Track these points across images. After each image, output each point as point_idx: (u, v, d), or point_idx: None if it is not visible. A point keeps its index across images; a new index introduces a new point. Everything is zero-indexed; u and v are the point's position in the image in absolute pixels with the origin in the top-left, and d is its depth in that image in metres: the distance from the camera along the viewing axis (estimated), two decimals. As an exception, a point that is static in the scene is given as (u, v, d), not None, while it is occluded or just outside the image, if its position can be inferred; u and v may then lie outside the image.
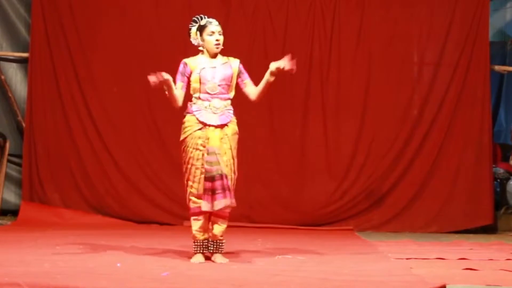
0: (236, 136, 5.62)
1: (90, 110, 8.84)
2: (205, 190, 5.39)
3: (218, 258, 5.52)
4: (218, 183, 5.36)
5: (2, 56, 9.12)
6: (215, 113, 5.50)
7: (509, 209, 9.32)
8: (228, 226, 8.39)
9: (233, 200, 5.42)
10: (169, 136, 8.87)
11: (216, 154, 5.39)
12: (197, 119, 5.49)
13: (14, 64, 9.18)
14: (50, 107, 8.86)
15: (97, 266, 4.98)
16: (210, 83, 5.51)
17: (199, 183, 5.46)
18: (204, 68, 5.54)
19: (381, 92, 8.98)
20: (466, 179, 8.96)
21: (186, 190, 5.59)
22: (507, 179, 9.48)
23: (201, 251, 5.54)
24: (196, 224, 5.50)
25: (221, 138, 5.47)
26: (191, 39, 5.77)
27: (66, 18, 8.88)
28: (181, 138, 5.56)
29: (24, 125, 8.93)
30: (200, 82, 5.52)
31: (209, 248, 5.57)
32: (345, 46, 9.03)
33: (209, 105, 5.52)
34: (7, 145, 8.96)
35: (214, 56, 5.62)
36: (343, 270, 5.13)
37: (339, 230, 8.49)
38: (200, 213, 5.47)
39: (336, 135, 8.96)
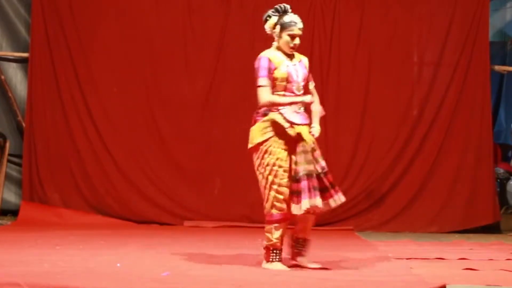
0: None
1: (90, 110, 8.84)
2: (296, 191, 5.01)
3: (309, 262, 5.23)
4: (315, 182, 5.03)
5: (2, 56, 9.12)
6: (297, 113, 5.21)
7: (509, 209, 9.32)
8: (228, 226, 8.49)
9: (338, 197, 5.18)
10: (169, 136, 8.89)
11: (310, 152, 5.09)
12: (285, 118, 5.15)
13: (14, 64, 9.18)
14: (50, 107, 8.86)
15: (97, 266, 4.98)
16: (295, 83, 5.23)
17: (287, 186, 5.07)
18: (288, 66, 5.23)
19: (381, 92, 8.98)
20: (466, 179, 8.96)
21: (267, 197, 5.14)
22: (507, 179, 9.49)
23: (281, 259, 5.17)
24: (277, 232, 5.06)
25: (309, 136, 5.16)
26: (266, 27, 5.38)
27: (66, 18, 8.88)
28: (262, 139, 5.17)
29: (24, 125, 8.93)
30: (287, 81, 5.20)
31: (297, 249, 5.28)
32: (345, 46, 9.03)
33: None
34: (7, 145, 8.95)
35: (289, 54, 5.32)
36: (343, 270, 5.13)
37: (339, 230, 8.49)
38: (284, 220, 5.08)
39: (336, 135, 8.96)
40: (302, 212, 4.99)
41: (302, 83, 5.25)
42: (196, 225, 8.53)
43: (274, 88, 5.19)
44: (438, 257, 5.91)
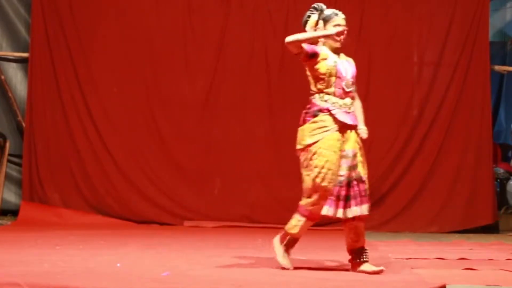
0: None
1: (90, 110, 8.85)
2: (337, 196, 4.87)
3: (371, 267, 5.01)
4: (355, 189, 4.90)
5: (2, 56, 9.12)
6: (348, 113, 4.99)
7: (509, 209, 9.32)
8: (228, 226, 8.49)
9: (365, 208, 4.96)
10: (169, 136, 8.89)
11: (355, 157, 4.93)
12: (335, 118, 4.94)
13: (14, 64, 9.18)
14: (50, 107, 8.86)
15: (97, 266, 4.98)
16: (345, 79, 5.01)
17: (333, 190, 4.89)
18: (336, 61, 5.05)
19: (381, 92, 8.98)
20: (466, 179, 8.96)
21: (308, 195, 5.00)
22: (507, 179, 9.49)
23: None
24: (300, 222, 5.10)
25: (356, 140, 4.99)
26: (308, 28, 5.24)
27: (66, 18, 8.88)
28: (312, 140, 4.97)
29: (24, 125, 8.93)
30: (336, 76, 5.00)
31: (358, 258, 5.06)
32: (345, 46, 9.01)
33: (343, 104, 5.01)
34: (7, 145, 8.95)
35: (335, 50, 5.12)
36: (343, 270, 5.13)
37: (339, 230, 8.45)
38: (313, 219, 5.05)
39: (336, 135, 8.95)
40: (336, 215, 4.89)
41: (351, 80, 5.06)
42: (196, 225, 8.53)
43: (322, 83, 5.03)
44: (438, 257, 5.91)
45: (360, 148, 5.01)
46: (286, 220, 8.67)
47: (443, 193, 8.92)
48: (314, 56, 5.01)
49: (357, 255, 5.02)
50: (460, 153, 8.98)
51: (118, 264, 5.09)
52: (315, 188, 4.91)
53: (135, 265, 5.12)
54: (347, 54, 5.33)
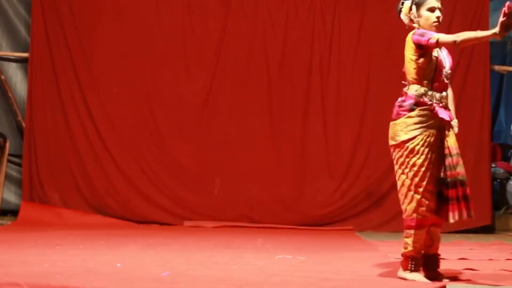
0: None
1: (90, 110, 8.84)
2: (450, 198, 4.59)
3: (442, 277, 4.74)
4: (460, 190, 4.64)
5: (2, 56, 9.12)
6: (445, 108, 4.66)
7: (509, 209, 9.32)
8: (228, 226, 8.49)
9: (467, 212, 4.71)
10: (169, 136, 8.89)
11: (458, 155, 4.62)
12: (435, 113, 4.59)
13: (14, 64, 9.17)
14: (50, 107, 8.86)
15: (97, 266, 4.98)
16: (445, 71, 4.67)
17: (433, 191, 4.59)
18: (438, 50, 4.67)
19: (381, 92, 8.97)
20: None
21: (410, 199, 4.65)
22: (507, 179, 9.48)
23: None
24: (416, 238, 4.65)
25: (454, 139, 4.66)
26: (403, 16, 5.00)
27: (66, 18, 8.88)
28: (408, 136, 4.60)
29: (24, 125, 8.92)
30: (437, 68, 4.66)
31: (430, 265, 4.78)
32: (345, 46, 9.03)
33: (441, 98, 4.67)
34: (7, 145, 8.95)
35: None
36: (343, 270, 5.13)
37: (339, 230, 8.49)
38: (425, 225, 4.64)
39: (336, 135, 8.96)
40: (452, 221, 4.63)
41: (449, 72, 4.74)
42: (196, 225, 8.53)
43: (421, 74, 4.74)
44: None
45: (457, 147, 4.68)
46: (286, 220, 8.74)
47: (443, 193, 8.90)
48: (423, 48, 4.70)
49: (430, 261, 4.78)
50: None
51: (118, 264, 5.09)
52: (415, 189, 4.57)
53: (135, 265, 5.12)
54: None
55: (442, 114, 4.59)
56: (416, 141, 4.58)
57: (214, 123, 8.91)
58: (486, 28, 9.13)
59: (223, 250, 6.23)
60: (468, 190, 4.68)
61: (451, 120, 4.67)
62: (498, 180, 9.53)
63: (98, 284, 4.28)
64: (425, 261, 4.77)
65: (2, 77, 9.03)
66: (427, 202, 4.58)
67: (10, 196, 8.97)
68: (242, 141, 8.90)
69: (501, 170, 9.58)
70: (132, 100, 8.90)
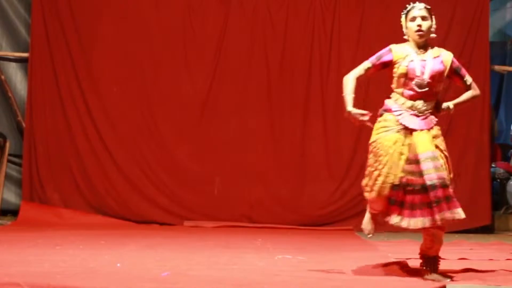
0: (442, 138, 4.88)
1: (90, 110, 8.84)
2: (405, 203, 4.67)
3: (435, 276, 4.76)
4: (432, 195, 4.63)
5: (2, 56, 9.12)
6: (418, 116, 4.74)
7: (509, 209, 9.32)
8: (228, 226, 8.49)
9: (449, 214, 4.69)
10: (169, 136, 8.89)
11: (428, 161, 4.68)
12: (398, 120, 4.74)
13: (14, 64, 9.17)
14: (50, 107, 8.86)
15: (97, 266, 4.98)
16: (418, 80, 4.73)
17: (376, 191, 4.71)
18: (412, 60, 4.77)
19: (381, 92, 8.94)
20: (466, 179, 8.94)
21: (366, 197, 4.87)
22: (507, 179, 9.48)
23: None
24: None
25: (431, 141, 4.73)
26: (403, 29, 5.09)
27: (66, 18, 8.88)
28: (372, 139, 4.82)
29: (24, 125, 8.92)
30: (407, 77, 4.76)
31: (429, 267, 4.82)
32: (345, 46, 9.03)
33: (412, 106, 4.76)
34: (7, 145, 8.95)
35: (421, 46, 4.85)
36: (343, 270, 5.13)
37: (339, 230, 8.48)
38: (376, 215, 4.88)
39: (336, 135, 8.96)
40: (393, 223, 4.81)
41: (428, 81, 4.73)
42: (196, 225, 8.53)
43: (394, 83, 4.86)
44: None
45: (441, 150, 4.81)
46: (286, 220, 8.74)
47: (443, 193, 8.90)
48: (387, 65, 4.87)
49: (428, 263, 4.81)
50: (460, 153, 8.97)
51: (118, 264, 5.09)
52: (369, 187, 4.74)
53: (135, 265, 5.12)
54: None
55: (406, 121, 4.70)
56: (374, 144, 4.76)
57: (214, 123, 8.91)
58: (486, 27, 9.16)
59: (223, 250, 6.22)
60: (442, 193, 4.63)
61: (423, 129, 4.72)
62: (498, 180, 9.53)
63: (98, 284, 4.28)
64: (425, 262, 4.82)
65: (2, 77, 9.03)
66: (374, 203, 4.78)
67: (10, 196, 8.97)
68: (242, 141, 8.90)
69: (501, 170, 9.58)
70: (132, 100, 8.90)
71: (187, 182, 8.84)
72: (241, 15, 9.00)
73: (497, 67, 9.55)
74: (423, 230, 4.76)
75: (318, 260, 5.66)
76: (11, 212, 8.86)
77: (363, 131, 8.93)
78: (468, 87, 4.98)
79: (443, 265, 4.90)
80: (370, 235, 5.06)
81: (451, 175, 4.84)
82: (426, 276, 4.76)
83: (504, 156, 10.14)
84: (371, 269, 5.18)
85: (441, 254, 6.03)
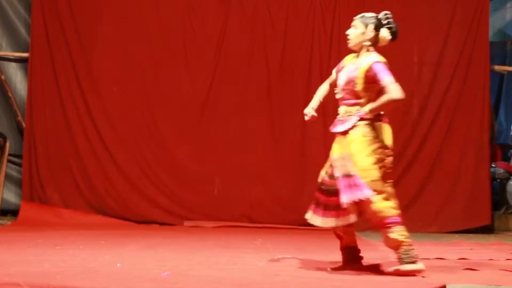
0: (363, 139, 4.98)
1: (90, 110, 8.85)
2: (317, 202, 5.17)
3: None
4: (332, 199, 5.03)
5: (2, 56, 9.12)
6: (339, 120, 5.12)
7: (509, 209, 9.32)
8: (228, 226, 8.49)
9: (346, 219, 5.06)
10: (169, 136, 8.89)
11: (334, 165, 5.07)
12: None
13: (14, 64, 9.17)
14: (50, 107, 8.86)
15: (97, 266, 4.98)
16: (338, 87, 5.08)
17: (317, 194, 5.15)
18: (344, 67, 5.11)
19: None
20: (466, 179, 8.96)
21: None
22: (507, 179, 9.48)
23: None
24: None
25: (341, 148, 5.06)
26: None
27: (66, 18, 8.88)
28: None
29: (24, 125, 8.93)
30: (336, 84, 5.12)
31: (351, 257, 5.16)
32: (345, 46, 8.98)
33: (339, 111, 5.14)
34: (7, 145, 8.95)
35: (357, 53, 5.15)
36: (343, 270, 5.12)
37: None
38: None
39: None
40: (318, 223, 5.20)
41: (345, 87, 5.01)
42: (196, 225, 8.53)
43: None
44: (438, 257, 5.91)
45: (348, 154, 5.01)
46: (286, 220, 8.74)
47: (443, 193, 8.92)
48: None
49: (349, 253, 5.20)
50: (460, 153, 8.98)
51: (118, 264, 5.09)
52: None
53: (135, 265, 5.11)
54: (346, 54, 5.34)
55: (333, 126, 5.14)
56: None
57: (214, 123, 8.91)
58: (486, 27, 9.15)
59: (223, 250, 6.22)
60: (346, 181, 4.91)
61: (338, 132, 5.11)
62: (498, 180, 9.53)
63: (98, 284, 4.28)
64: (346, 254, 5.18)
65: (2, 77, 9.03)
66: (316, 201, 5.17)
67: (10, 196, 8.97)
68: (242, 141, 8.90)
69: (501, 170, 9.58)
70: (132, 100, 8.90)
71: (187, 182, 8.84)
72: (241, 15, 9.00)
73: (497, 67, 9.56)
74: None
75: (318, 260, 5.66)
76: (11, 212, 8.86)
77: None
78: (383, 91, 5.01)
79: (443, 265, 4.90)
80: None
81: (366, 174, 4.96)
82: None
83: (504, 156, 10.14)
84: (371, 269, 5.18)
85: (441, 254, 6.05)
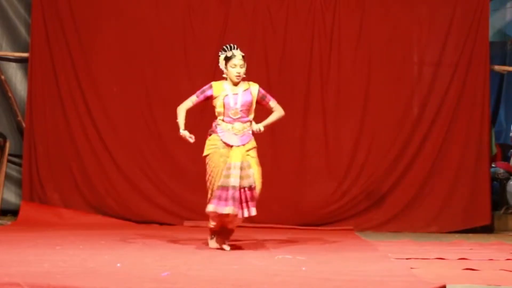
0: (256, 149, 6.30)
1: (90, 110, 8.85)
2: (220, 197, 6.12)
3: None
4: (230, 193, 6.08)
5: (2, 56, 9.12)
6: (236, 135, 6.23)
7: (509, 209, 9.32)
8: (228, 226, 8.46)
9: (252, 210, 6.26)
10: (169, 136, 8.87)
11: (237, 168, 6.10)
12: (221, 139, 6.21)
13: (14, 64, 9.18)
14: (50, 107, 8.86)
15: (97, 266, 4.98)
16: (232, 109, 6.24)
17: (215, 190, 6.16)
18: (227, 95, 6.24)
19: (381, 92, 8.98)
20: (466, 179, 8.96)
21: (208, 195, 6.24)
22: (507, 179, 9.48)
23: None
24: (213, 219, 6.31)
25: (244, 155, 6.17)
26: (219, 64, 6.41)
27: (66, 18, 8.88)
28: (205, 153, 6.29)
29: (24, 125, 8.93)
30: (224, 108, 6.24)
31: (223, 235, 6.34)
32: (345, 46, 9.03)
33: (232, 127, 6.24)
34: (7, 145, 8.96)
35: (236, 84, 6.29)
36: (343, 270, 5.13)
37: (339, 230, 8.49)
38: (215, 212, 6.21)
39: (336, 135, 8.97)
40: (218, 211, 6.13)
41: (242, 108, 6.26)
42: (196, 225, 8.52)
43: (216, 112, 6.33)
44: (438, 257, 5.91)
45: (252, 161, 6.20)
46: (286, 220, 8.74)
47: (443, 193, 8.92)
48: (209, 98, 6.36)
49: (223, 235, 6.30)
50: (460, 153, 8.98)
51: (118, 264, 5.09)
52: (209, 186, 6.21)
53: (135, 265, 5.12)
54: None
55: (227, 139, 6.21)
56: (208, 158, 6.25)
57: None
58: (486, 27, 9.16)
59: (223, 250, 6.22)
60: (251, 194, 6.20)
61: (240, 145, 6.19)
62: (498, 180, 9.53)
63: (98, 284, 4.28)
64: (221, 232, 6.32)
65: (2, 77, 9.03)
66: (214, 217, 6.28)
67: (10, 196, 8.98)
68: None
69: (501, 170, 9.58)
70: (132, 100, 8.90)
71: (187, 182, 8.83)
72: (241, 15, 9.00)
73: (497, 67, 9.56)
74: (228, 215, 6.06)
75: (318, 260, 5.66)
76: (11, 212, 8.87)
77: (363, 132, 8.99)
78: (273, 110, 6.47)
79: (442, 265, 4.90)
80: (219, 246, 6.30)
81: (260, 181, 6.27)
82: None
83: (504, 156, 10.14)
84: (371, 269, 5.18)
85: (441, 254, 6.05)
